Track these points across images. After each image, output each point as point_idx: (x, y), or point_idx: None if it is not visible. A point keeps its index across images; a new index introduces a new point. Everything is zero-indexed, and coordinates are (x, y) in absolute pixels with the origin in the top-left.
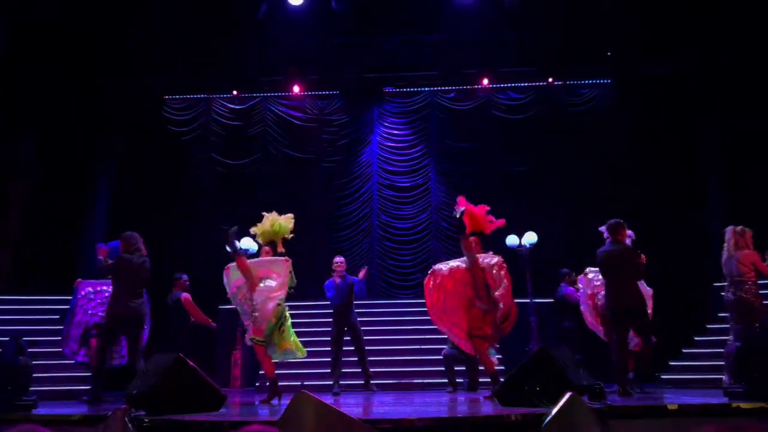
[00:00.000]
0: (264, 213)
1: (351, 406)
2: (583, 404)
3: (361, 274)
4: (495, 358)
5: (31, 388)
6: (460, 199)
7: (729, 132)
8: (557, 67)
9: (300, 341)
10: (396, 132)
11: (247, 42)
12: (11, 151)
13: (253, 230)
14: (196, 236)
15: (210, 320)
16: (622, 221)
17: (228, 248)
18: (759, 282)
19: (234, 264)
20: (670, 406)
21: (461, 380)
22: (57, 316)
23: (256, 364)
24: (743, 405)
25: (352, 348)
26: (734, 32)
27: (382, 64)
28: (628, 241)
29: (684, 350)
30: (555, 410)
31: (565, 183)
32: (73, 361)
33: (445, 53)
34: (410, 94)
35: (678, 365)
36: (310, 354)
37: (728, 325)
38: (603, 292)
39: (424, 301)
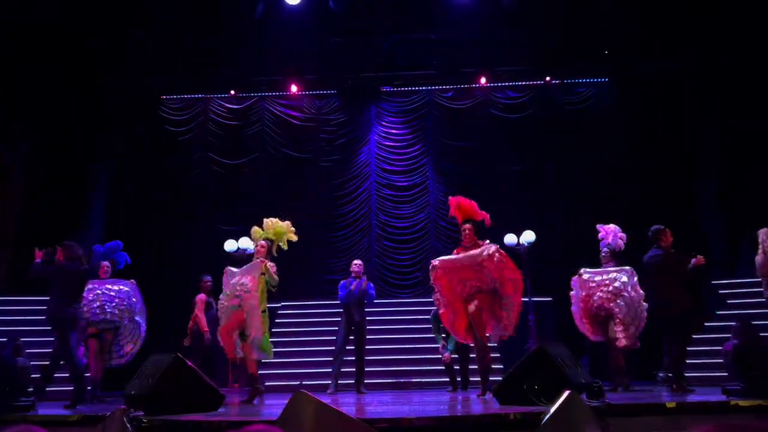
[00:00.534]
0: (272, 219)
1: (349, 406)
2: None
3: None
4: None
5: (29, 389)
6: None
7: (727, 132)
8: (555, 66)
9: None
10: (394, 131)
11: (245, 41)
12: (9, 151)
13: (253, 231)
14: (195, 236)
15: (207, 329)
16: (662, 227)
17: None
18: None
19: (228, 269)
20: (668, 404)
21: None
22: None
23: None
24: (741, 402)
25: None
26: (733, 32)
27: (379, 63)
28: (620, 243)
29: None
30: (553, 408)
31: (563, 182)
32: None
33: (442, 52)
34: (408, 93)
35: None
36: (308, 353)
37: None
38: (599, 294)
39: (422, 300)
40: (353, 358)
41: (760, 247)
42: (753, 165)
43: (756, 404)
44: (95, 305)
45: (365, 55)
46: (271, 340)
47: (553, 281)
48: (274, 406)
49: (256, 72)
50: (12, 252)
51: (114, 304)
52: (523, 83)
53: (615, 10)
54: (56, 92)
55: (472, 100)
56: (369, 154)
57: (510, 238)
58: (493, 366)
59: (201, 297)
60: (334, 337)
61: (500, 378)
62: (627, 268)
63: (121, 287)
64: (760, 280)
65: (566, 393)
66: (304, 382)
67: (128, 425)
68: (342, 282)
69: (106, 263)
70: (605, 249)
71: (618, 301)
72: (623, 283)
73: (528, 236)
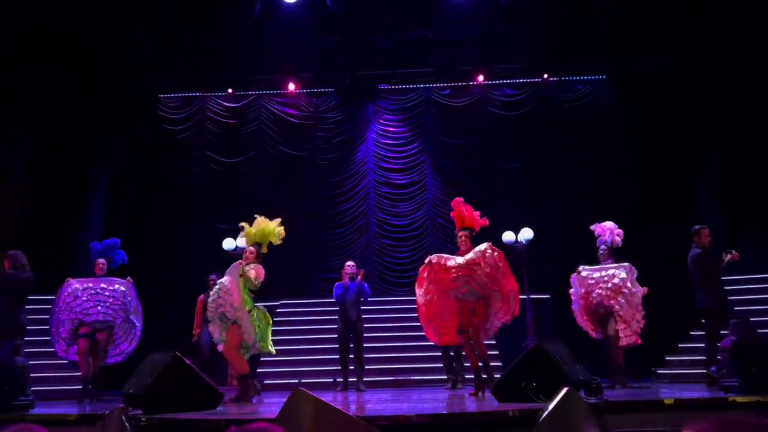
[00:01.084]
0: (256, 216)
1: (349, 403)
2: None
3: (361, 276)
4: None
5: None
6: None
7: (726, 129)
8: (552, 64)
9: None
10: (392, 129)
11: (242, 40)
12: (9, 151)
13: (242, 234)
14: (193, 234)
15: (197, 331)
16: (698, 227)
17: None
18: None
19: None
20: (666, 401)
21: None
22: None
23: (254, 362)
24: (739, 399)
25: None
26: (731, 29)
27: (377, 61)
28: (618, 240)
29: (680, 345)
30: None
31: (560, 179)
32: (66, 360)
33: (440, 50)
34: (405, 90)
35: (674, 360)
36: (307, 351)
37: None
38: (598, 290)
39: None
40: (352, 356)
41: None
42: (751, 162)
43: (754, 400)
44: (88, 305)
45: (363, 53)
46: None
47: (551, 279)
48: (272, 405)
49: (254, 70)
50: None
51: (108, 303)
52: (521, 81)
53: (613, 8)
54: (55, 92)
55: (470, 97)
56: (367, 152)
57: (508, 236)
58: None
59: (201, 297)
60: (333, 335)
61: (498, 375)
62: (625, 264)
63: (117, 286)
64: (757, 276)
65: (564, 390)
66: (302, 380)
67: (127, 424)
68: (337, 284)
69: (102, 261)
70: (603, 246)
71: (618, 298)
72: (622, 279)
73: (526, 234)
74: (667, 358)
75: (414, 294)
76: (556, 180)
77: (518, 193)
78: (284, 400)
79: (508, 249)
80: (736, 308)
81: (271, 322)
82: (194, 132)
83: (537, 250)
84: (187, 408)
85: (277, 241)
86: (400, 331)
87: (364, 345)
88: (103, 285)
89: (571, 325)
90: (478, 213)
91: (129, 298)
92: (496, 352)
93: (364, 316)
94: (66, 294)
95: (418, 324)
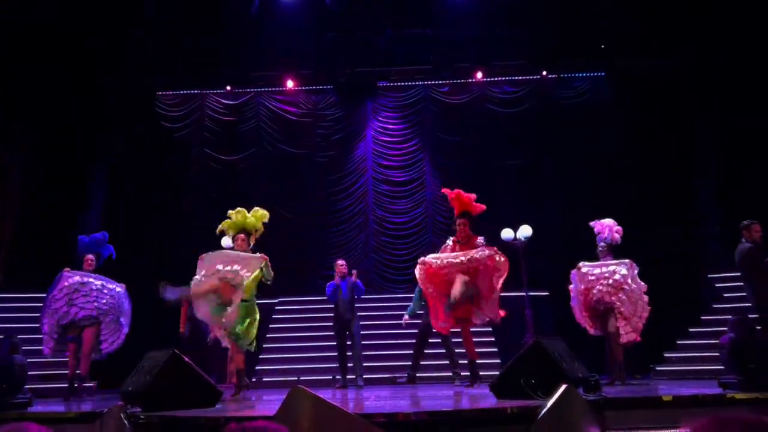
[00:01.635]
0: (237, 210)
1: (347, 400)
2: (579, 396)
3: (356, 275)
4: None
5: (26, 386)
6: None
7: (725, 128)
8: (551, 61)
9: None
10: (390, 126)
11: (241, 37)
12: (9, 151)
13: (220, 228)
14: (192, 232)
15: (183, 325)
16: (748, 222)
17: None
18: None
19: (209, 254)
20: (665, 397)
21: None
22: None
23: (253, 360)
24: (737, 396)
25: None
26: (731, 29)
27: (375, 58)
28: (617, 237)
29: (679, 342)
30: (550, 402)
31: (559, 176)
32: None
33: (438, 47)
34: (404, 88)
35: (673, 357)
36: (305, 349)
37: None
38: (598, 287)
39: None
40: (350, 353)
41: None
42: (751, 161)
43: (752, 397)
44: (86, 299)
45: (362, 51)
46: (268, 335)
47: (549, 276)
48: (271, 402)
49: (253, 68)
50: (9, 250)
51: (104, 301)
52: (520, 78)
53: (612, 6)
54: (54, 91)
55: (469, 95)
56: (366, 149)
57: (507, 233)
58: (490, 361)
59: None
60: (332, 333)
61: (497, 372)
62: (626, 261)
63: (114, 287)
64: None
65: (563, 387)
66: (301, 378)
67: (126, 422)
68: (330, 283)
69: (90, 256)
70: (602, 243)
71: (620, 294)
72: (623, 275)
73: (525, 231)
74: (665, 355)
75: (411, 290)
76: (555, 177)
77: (517, 191)
78: (283, 397)
79: (507, 246)
80: (734, 306)
81: (257, 318)
82: (193, 130)
83: (536, 247)
84: (185, 406)
85: (260, 226)
86: (398, 328)
87: (364, 342)
88: (102, 282)
89: (570, 322)
90: (473, 196)
91: (123, 300)
92: (495, 349)
93: (363, 314)
94: (65, 285)
95: (417, 321)
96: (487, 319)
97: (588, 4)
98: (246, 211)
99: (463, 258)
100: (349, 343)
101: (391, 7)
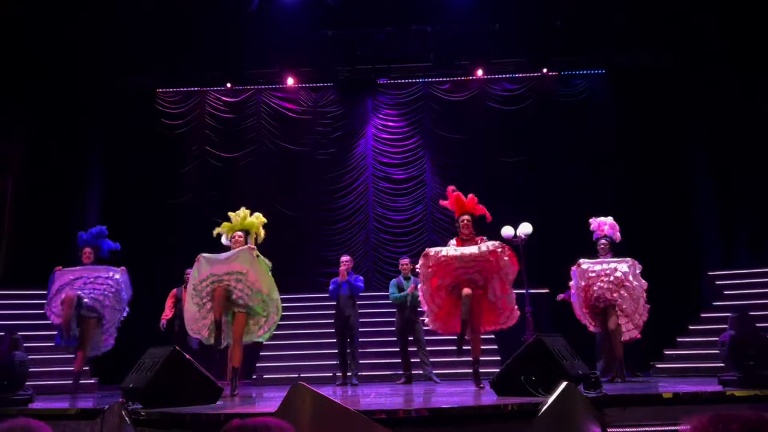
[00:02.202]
0: (239, 212)
1: (347, 397)
2: (579, 393)
3: (343, 273)
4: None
5: (27, 383)
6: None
7: (725, 126)
8: (551, 58)
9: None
10: (391, 124)
11: (241, 34)
12: (4, 144)
13: (223, 233)
14: (191, 230)
15: (164, 319)
16: None
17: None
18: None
19: (204, 255)
20: (665, 394)
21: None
22: None
23: (253, 357)
24: (737, 393)
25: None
26: (730, 28)
27: (375, 55)
28: (618, 235)
29: (678, 339)
30: (551, 399)
31: (559, 173)
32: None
33: (438, 44)
34: (404, 85)
35: (672, 354)
36: (306, 346)
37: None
38: (599, 284)
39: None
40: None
41: None
42: (748, 158)
43: (752, 394)
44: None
45: (361, 48)
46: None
47: (550, 273)
48: (272, 399)
49: (253, 65)
50: (6, 246)
51: (100, 291)
52: (520, 75)
53: (613, 4)
54: (53, 86)
55: (469, 92)
56: (366, 146)
57: (507, 230)
58: (490, 358)
59: (174, 291)
60: (332, 330)
61: (497, 369)
62: (628, 259)
63: (112, 274)
64: (755, 270)
65: (563, 384)
66: (302, 375)
67: (127, 418)
68: (333, 279)
69: (88, 249)
70: (603, 241)
71: (621, 291)
72: (624, 273)
73: (525, 228)
74: (665, 353)
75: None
76: (555, 174)
77: (517, 188)
78: (284, 394)
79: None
80: (734, 303)
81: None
82: (193, 127)
83: (536, 244)
84: (186, 402)
85: (260, 229)
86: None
87: (364, 340)
88: (97, 273)
89: (570, 319)
90: (474, 198)
91: (123, 287)
92: (495, 347)
93: (362, 311)
94: (59, 285)
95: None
96: (500, 326)
97: (589, 2)
98: (248, 212)
99: (474, 250)
100: (348, 340)
101: (391, 4)
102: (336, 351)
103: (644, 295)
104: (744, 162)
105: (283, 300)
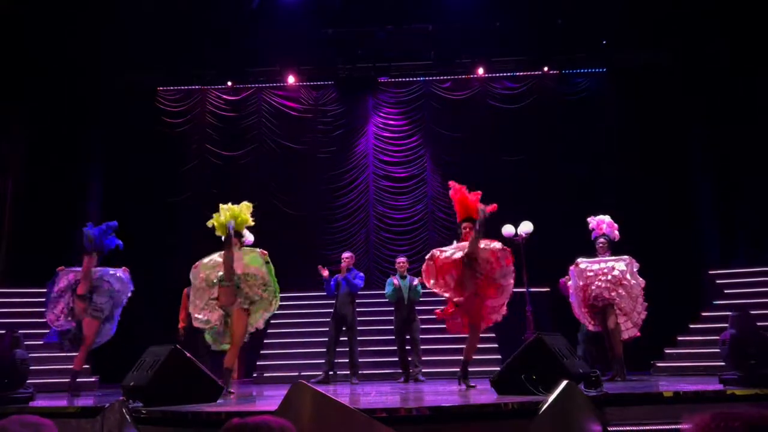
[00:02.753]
0: (226, 205)
1: (348, 396)
2: (579, 392)
3: (325, 273)
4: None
5: (28, 381)
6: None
7: (726, 125)
8: (552, 56)
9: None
10: (391, 122)
11: (242, 33)
12: (4, 143)
13: (210, 223)
14: (191, 229)
15: (182, 324)
16: None
17: None
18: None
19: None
20: (665, 393)
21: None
22: None
23: (254, 355)
24: (738, 391)
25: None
26: (730, 26)
27: (376, 54)
28: (616, 234)
29: (679, 338)
30: (551, 398)
31: (560, 172)
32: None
33: (439, 43)
34: (405, 84)
35: (673, 353)
36: (307, 345)
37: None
38: (597, 283)
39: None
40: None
41: None
42: (748, 157)
43: (753, 393)
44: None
45: (362, 46)
46: (268, 331)
47: (550, 272)
48: (273, 397)
49: (254, 63)
50: (7, 245)
51: (104, 290)
52: (521, 74)
53: (613, 2)
54: (53, 85)
55: (470, 90)
56: (366, 145)
57: (508, 229)
58: (490, 357)
59: (186, 291)
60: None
61: (498, 368)
62: (625, 257)
63: (118, 274)
64: (756, 269)
65: (564, 383)
66: (302, 373)
67: (127, 417)
68: (334, 276)
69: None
70: (602, 239)
71: (619, 290)
72: (621, 271)
73: (525, 227)
74: (666, 351)
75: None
76: (556, 173)
77: (518, 186)
78: (284, 392)
79: (508, 242)
80: (735, 302)
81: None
82: (194, 125)
83: (536, 243)
84: (187, 401)
85: (248, 219)
86: None
87: (365, 338)
88: (101, 275)
89: (570, 318)
90: (477, 196)
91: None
92: (496, 345)
93: (362, 309)
94: (62, 287)
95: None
96: (492, 322)
97: (589, 0)
98: (234, 207)
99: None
100: (344, 339)
101: (392, 3)
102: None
103: (642, 293)
104: (744, 160)
105: (284, 298)
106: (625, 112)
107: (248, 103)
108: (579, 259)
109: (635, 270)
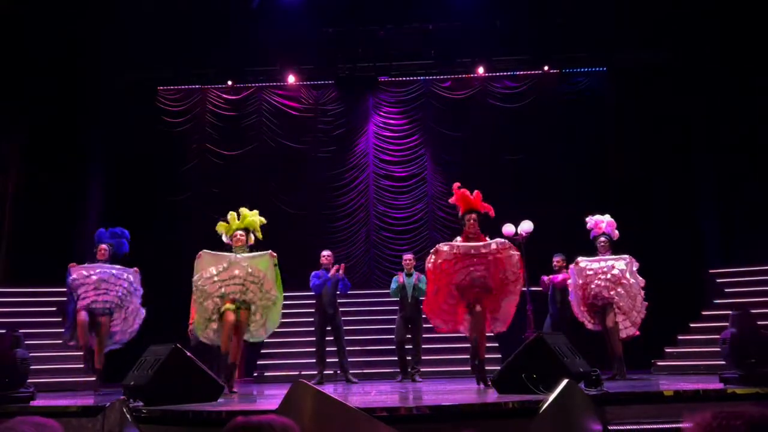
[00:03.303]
0: (239, 211)
1: (348, 395)
2: (580, 391)
3: (336, 270)
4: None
5: (29, 380)
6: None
7: (726, 123)
8: (552, 56)
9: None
10: (392, 121)
11: (242, 32)
12: (4, 143)
13: (222, 230)
14: (191, 228)
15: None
16: None
17: None
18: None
19: (207, 252)
20: (666, 392)
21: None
22: (53, 308)
23: (255, 354)
24: (738, 390)
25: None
26: (730, 26)
27: (376, 53)
28: (616, 233)
29: (679, 337)
30: (551, 397)
31: (561, 171)
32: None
33: (439, 42)
34: (405, 83)
35: (673, 352)
36: (307, 344)
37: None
38: (596, 281)
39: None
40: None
41: None
42: (749, 156)
43: (753, 392)
44: (97, 291)
45: (362, 46)
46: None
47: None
48: (273, 397)
49: (254, 62)
50: (7, 244)
51: (115, 292)
52: (521, 73)
53: (613, 1)
54: (53, 84)
55: (470, 90)
56: (367, 144)
57: (508, 228)
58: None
59: None
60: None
61: (498, 367)
62: (625, 256)
63: (127, 275)
64: (756, 268)
65: (564, 382)
66: (302, 372)
67: (128, 416)
68: (315, 272)
69: (104, 246)
70: (602, 238)
71: (618, 289)
72: (621, 270)
73: (526, 226)
74: (666, 350)
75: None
76: (556, 172)
77: (518, 186)
78: (285, 392)
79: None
80: (735, 301)
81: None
82: (194, 125)
83: (536, 242)
84: (188, 400)
85: (258, 231)
86: None
87: (365, 338)
88: (113, 272)
89: (569, 317)
90: (479, 195)
91: (135, 287)
92: (496, 344)
93: (363, 309)
94: (72, 278)
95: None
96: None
97: None
98: (246, 211)
99: (483, 249)
100: (330, 338)
101: (393, 2)
102: (335, 348)
103: (642, 292)
104: (745, 159)
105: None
106: (625, 112)
107: (248, 103)
108: (579, 258)
109: (635, 269)
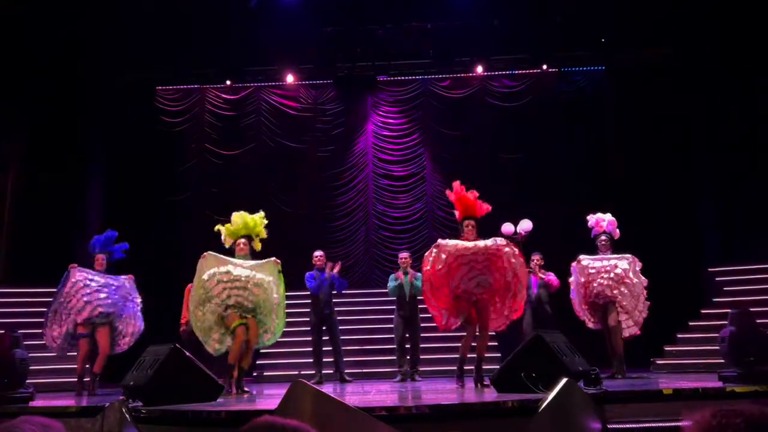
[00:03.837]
0: (239, 213)
1: (347, 395)
2: (579, 390)
3: (330, 269)
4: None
5: (28, 381)
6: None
7: (726, 122)
8: (551, 54)
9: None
10: (390, 121)
11: (240, 32)
12: (4, 143)
13: (221, 230)
14: (191, 227)
15: (183, 322)
16: None
17: None
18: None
19: (212, 253)
20: (665, 391)
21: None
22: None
23: (254, 354)
24: (737, 389)
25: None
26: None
27: (375, 52)
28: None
29: (679, 335)
30: (551, 396)
31: (560, 170)
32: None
33: (438, 41)
34: (404, 82)
35: (673, 350)
36: (306, 344)
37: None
38: (599, 280)
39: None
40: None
41: None
42: (748, 155)
43: (752, 390)
44: (97, 295)
45: (361, 45)
46: None
47: (550, 270)
48: (273, 397)
49: (252, 62)
50: (7, 243)
51: (114, 298)
52: (520, 72)
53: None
54: (53, 84)
55: (469, 89)
56: (365, 143)
57: (507, 227)
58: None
59: (189, 286)
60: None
61: (497, 366)
62: (628, 255)
63: (123, 281)
64: (756, 267)
65: (563, 381)
66: (302, 372)
67: (127, 416)
68: (309, 273)
69: (101, 256)
70: (603, 237)
71: (621, 288)
72: (624, 270)
73: (525, 225)
74: (665, 349)
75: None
76: (555, 171)
77: (517, 185)
78: (284, 391)
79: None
80: (734, 299)
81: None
82: (193, 124)
83: (535, 241)
84: (187, 400)
85: (263, 233)
86: None
87: (365, 337)
88: (110, 281)
89: (570, 315)
90: (475, 194)
91: (132, 295)
92: (495, 343)
93: (362, 308)
94: (74, 281)
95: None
96: (501, 325)
97: None
98: (247, 214)
99: (484, 244)
100: (326, 338)
101: (391, 1)
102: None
103: (644, 292)
104: (744, 159)
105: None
106: (624, 111)
107: (247, 102)
108: (581, 256)
109: (638, 269)
